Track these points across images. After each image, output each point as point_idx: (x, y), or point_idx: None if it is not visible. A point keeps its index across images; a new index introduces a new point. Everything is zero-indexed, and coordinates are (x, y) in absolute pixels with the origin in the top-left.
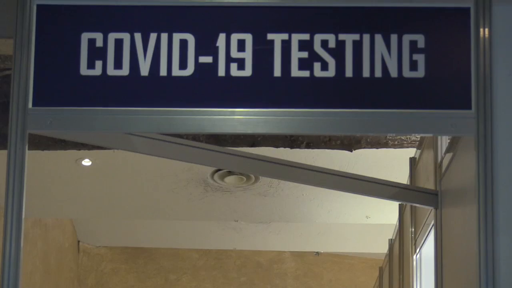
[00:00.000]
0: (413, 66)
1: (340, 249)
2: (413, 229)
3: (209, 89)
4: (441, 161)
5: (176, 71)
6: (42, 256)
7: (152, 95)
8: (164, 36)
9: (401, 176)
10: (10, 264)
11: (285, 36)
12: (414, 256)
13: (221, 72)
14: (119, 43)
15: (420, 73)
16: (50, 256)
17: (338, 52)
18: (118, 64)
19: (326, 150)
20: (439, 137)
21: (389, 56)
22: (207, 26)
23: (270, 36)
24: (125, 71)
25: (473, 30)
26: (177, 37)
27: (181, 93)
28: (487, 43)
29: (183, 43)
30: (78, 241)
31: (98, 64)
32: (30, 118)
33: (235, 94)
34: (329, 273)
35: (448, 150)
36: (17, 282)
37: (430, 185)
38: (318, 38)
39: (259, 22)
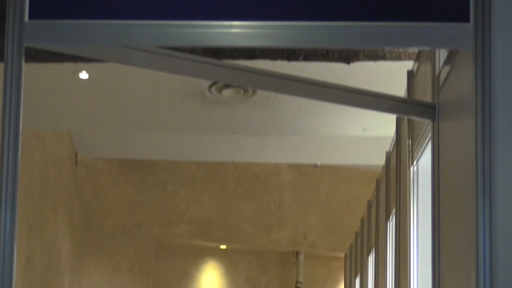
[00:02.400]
0: None
1: (337, 161)
2: (410, 142)
3: (206, 2)
4: (439, 74)
5: None
6: (40, 169)
7: (150, 8)
8: None
9: (399, 89)
10: (8, 176)
11: None
12: (411, 168)
13: None
14: None
15: None
16: (48, 168)
17: None
18: None
19: (324, 63)
20: (437, 50)
21: None
22: None
23: None
24: None
25: None
26: None
27: (179, 6)
28: None
29: None
30: (76, 154)
31: None
32: (26, 32)
33: (233, 6)
34: (326, 185)
35: (446, 63)
36: (15, 194)
37: (427, 98)
38: None
39: None
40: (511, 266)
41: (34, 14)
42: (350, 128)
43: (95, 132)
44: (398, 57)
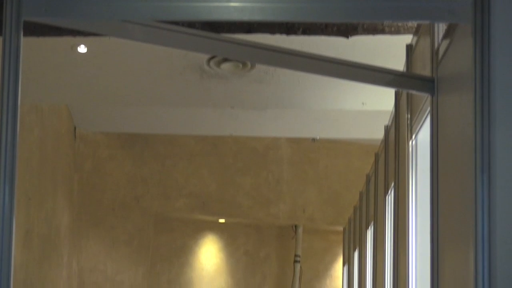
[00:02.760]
0: None
1: (336, 135)
2: (409, 116)
3: None
4: (438, 48)
5: None
6: (39, 143)
7: None
8: None
9: (398, 63)
10: (6, 150)
11: None
12: (410, 142)
13: None
14: None
15: None
16: (46, 142)
17: None
18: None
19: (322, 37)
20: (436, 24)
21: None
22: None
23: None
24: None
25: None
26: None
27: None
28: None
29: None
30: (75, 127)
31: None
32: (25, 5)
33: None
34: (325, 159)
35: (445, 37)
36: (14, 168)
37: (426, 72)
38: None
39: None
40: (509, 239)
41: None
42: (349, 102)
43: (93, 106)
44: (397, 31)
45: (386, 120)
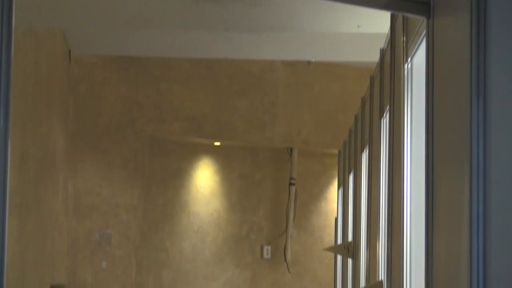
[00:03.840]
0: None
1: (332, 58)
2: (404, 39)
3: None
4: None
5: None
6: (33, 66)
7: None
8: None
9: None
10: (1, 74)
11: None
12: (405, 65)
13: None
14: None
15: None
16: (41, 65)
17: None
18: None
19: None
20: None
21: None
22: None
23: None
24: None
25: None
26: None
27: None
28: None
29: None
30: (69, 50)
31: None
32: None
33: None
34: (320, 82)
35: None
36: (9, 92)
37: None
38: None
39: None
40: (504, 161)
41: None
42: (344, 24)
43: (88, 28)
44: None
45: (382, 42)
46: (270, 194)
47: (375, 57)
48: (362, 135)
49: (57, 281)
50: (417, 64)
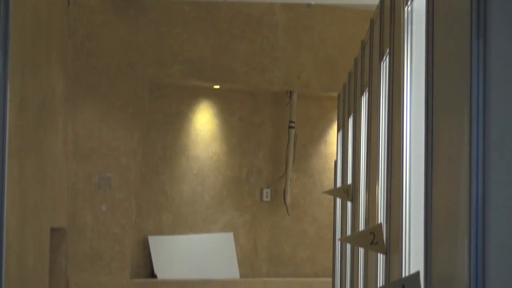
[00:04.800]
0: None
1: (331, 1)
2: None
3: None
4: None
5: None
6: (33, 9)
7: None
8: None
9: None
10: (0, 18)
11: None
12: (406, 8)
13: None
14: None
15: None
16: (40, 8)
17: None
18: None
19: None
20: None
21: None
22: None
23: None
24: None
25: None
26: None
27: None
28: None
29: None
30: None
31: None
32: None
33: None
34: (320, 25)
35: None
36: (8, 36)
37: None
38: None
39: None
40: (505, 104)
41: None
42: None
43: None
44: None
45: None
46: (270, 137)
47: (375, 0)
48: (361, 78)
49: (57, 224)
50: (417, 6)
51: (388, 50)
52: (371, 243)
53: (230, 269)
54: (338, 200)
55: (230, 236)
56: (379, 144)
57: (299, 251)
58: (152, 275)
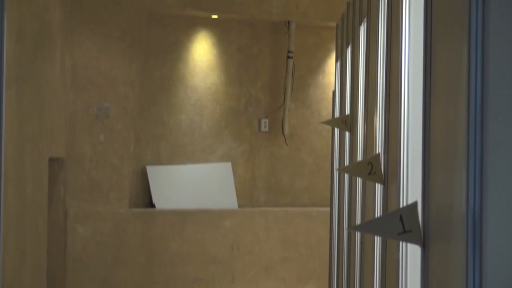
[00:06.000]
0: None
1: None
2: None
3: None
4: None
5: None
6: None
7: None
8: None
9: None
10: None
11: None
12: None
13: None
14: None
15: None
16: None
17: None
18: None
19: None
20: None
21: None
22: None
23: None
24: None
25: None
26: None
27: None
28: None
29: None
30: None
31: None
32: None
33: None
34: None
35: None
36: None
37: None
38: None
39: None
40: (504, 25)
41: None
42: None
43: None
44: None
45: None
46: (268, 67)
47: None
48: (360, 8)
49: (55, 154)
50: None
51: None
52: (369, 173)
53: (228, 199)
54: (336, 130)
55: (228, 166)
56: (378, 74)
57: (297, 181)
58: (151, 204)
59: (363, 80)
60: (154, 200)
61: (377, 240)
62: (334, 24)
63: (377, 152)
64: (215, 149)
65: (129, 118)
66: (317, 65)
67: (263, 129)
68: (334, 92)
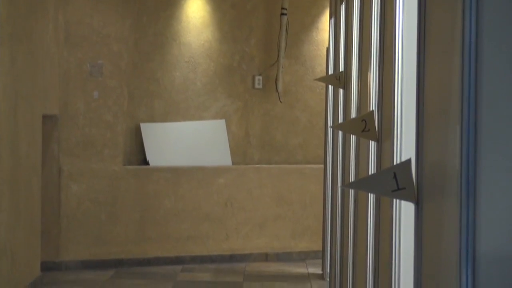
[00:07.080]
0: None
1: None
2: None
3: None
4: None
5: None
6: None
7: None
8: None
9: None
10: None
11: None
12: None
13: None
14: None
15: None
16: None
17: None
18: None
19: None
20: None
21: None
22: None
23: None
24: None
25: None
26: None
27: None
28: None
29: None
30: None
31: None
32: None
33: None
34: None
35: None
36: None
37: None
38: None
39: None
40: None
41: None
42: None
43: None
44: None
45: None
46: (262, 24)
47: None
48: None
49: (49, 111)
50: None
51: None
52: (363, 130)
53: (222, 156)
54: (330, 88)
55: (222, 123)
56: (372, 30)
57: (290, 138)
58: (145, 162)
59: (357, 36)
60: (148, 158)
61: (371, 197)
62: None
63: (371, 109)
64: (208, 106)
65: (122, 75)
66: (311, 22)
67: (257, 86)
68: (328, 49)
